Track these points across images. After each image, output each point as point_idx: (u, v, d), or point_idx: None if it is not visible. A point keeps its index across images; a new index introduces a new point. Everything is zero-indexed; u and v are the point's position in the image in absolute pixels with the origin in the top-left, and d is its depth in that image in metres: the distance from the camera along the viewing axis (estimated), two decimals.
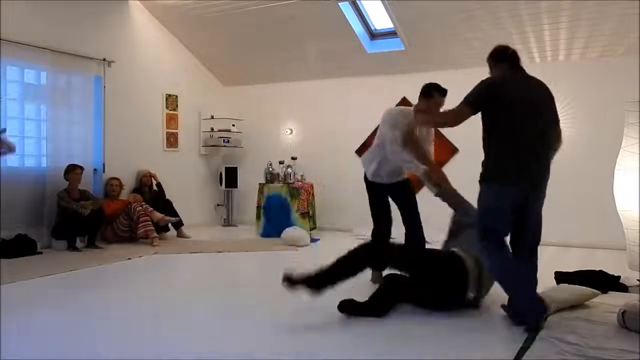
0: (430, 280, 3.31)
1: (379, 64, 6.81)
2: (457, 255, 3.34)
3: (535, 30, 5.61)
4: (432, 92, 3.65)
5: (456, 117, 3.06)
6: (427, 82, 3.73)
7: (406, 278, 3.51)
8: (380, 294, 3.40)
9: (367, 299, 3.31)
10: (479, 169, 3.08)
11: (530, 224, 3.11)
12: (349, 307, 3.23)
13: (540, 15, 5.38)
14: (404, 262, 3.40)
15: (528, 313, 2.92)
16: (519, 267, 3.01)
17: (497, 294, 3.46)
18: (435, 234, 4.27)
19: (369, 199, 4.18)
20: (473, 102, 2.99)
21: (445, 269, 3.30)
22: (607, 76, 5.78)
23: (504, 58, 3.16)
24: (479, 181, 3.06)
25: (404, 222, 4.04)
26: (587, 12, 5.20)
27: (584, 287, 3.44)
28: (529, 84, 3.09)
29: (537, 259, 3.20)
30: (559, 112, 3.21)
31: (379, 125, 3.92)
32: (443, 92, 3.67)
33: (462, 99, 3.04)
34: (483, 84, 3.03)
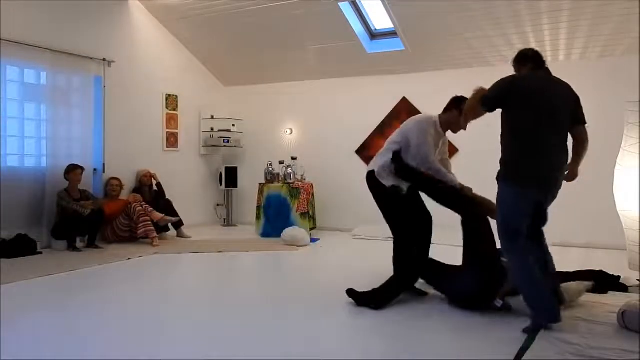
0: (469, 272, 3.34)
1: (379, 64, 6.81)
2: (502, 265, 3.27)
3: (535, 30, 5.61)
4: (461, 105, 3.55)
5: (474, 114, 3.12)
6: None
7: (440, 266, 3.64)
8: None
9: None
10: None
11: (540, 221, 3.15)
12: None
13: (540, 15, 5.38)
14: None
15: (541, 314, 2.92)
16: (538, 270, 2.98)
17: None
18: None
19: (405, 210, 3.79)
20: (487, 102, 3.05)
21: (487, 269, 3.28)
22: (607, 76, 5.78)
23: (525, 60, 3.17)
24: (497, 180, 3.06)
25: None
26: (587, 12, 5.20)
27: (580, 282, 3.46)
28: (546, 83, 3.07)
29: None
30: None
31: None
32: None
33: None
34: (500, 82, 3.05)
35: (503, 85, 3.04)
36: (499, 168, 3.05)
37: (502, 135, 3.07)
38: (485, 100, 3.05)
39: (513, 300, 3.22)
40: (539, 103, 2.96)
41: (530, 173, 2.94)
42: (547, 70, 3.14)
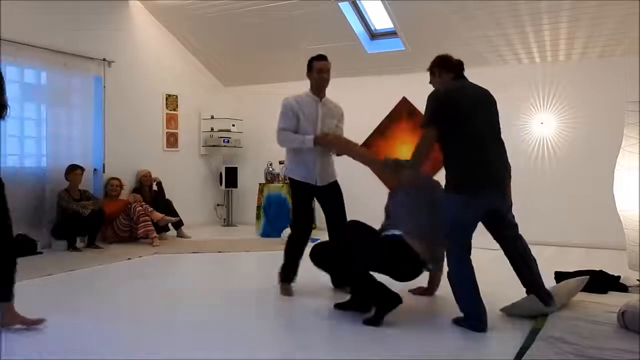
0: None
1: (379, 64, 6.81)
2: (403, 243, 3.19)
3: (535, 30, 5.61)
4: (312, 63, 3.98)
5: (429, 144, 3.06)
6: (429, 83, 3.68)
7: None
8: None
9: None
10: None
11: (507, 220, 3.19)
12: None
13: (540, 15, 5.38)
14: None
15: (468, 322, 2.99)
16: (473, 278, 3.02)
17: (496, 296, 3.47)
18: None
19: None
20: (432, 120, 3.00)
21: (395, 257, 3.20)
22: (607, 76, 5.78)
23: (450, 67, 3.17)
24: (444, 191, 3.08)
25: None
26: (587, 12, 5.20)
27: (577, 278, 3.48)
28: (478, 90, 3.14)
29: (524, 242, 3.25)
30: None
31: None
32: (319, 57, 3.97)
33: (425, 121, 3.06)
34: (435, 100, 3.03)
35: (443, 98, 3.03)
36: (446, 179, 3.07)
37: (445, 148, 3.06)
38: (431, 119, 3.01)
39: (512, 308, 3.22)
40: (478, 110, 3.03)
41: (481, 180, 2.97)
42: (466, 78, 3.18)
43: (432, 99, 3.05)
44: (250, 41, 7.02)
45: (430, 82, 3.27)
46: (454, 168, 3.03)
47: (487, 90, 3.19)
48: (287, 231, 6.10)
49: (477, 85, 3.17)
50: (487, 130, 3.05)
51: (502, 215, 3.17)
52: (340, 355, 2.68)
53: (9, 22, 5.33)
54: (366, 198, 6.53)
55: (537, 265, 3.23)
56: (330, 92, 7.95)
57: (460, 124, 2.98)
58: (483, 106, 3.09)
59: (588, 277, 3.54)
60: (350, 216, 7.02)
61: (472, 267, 3.03)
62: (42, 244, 5.50)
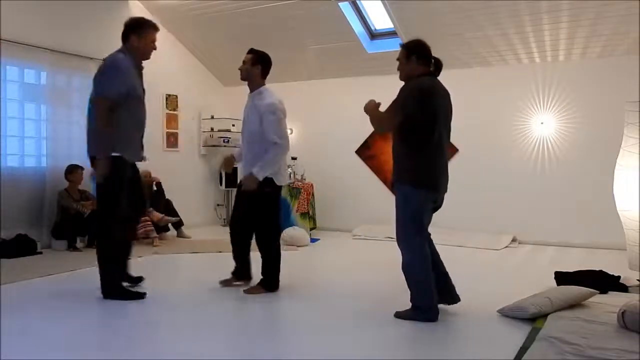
0: None
1: (379, 64, 6.81)
2: None
3: (535, 30, 5.61)
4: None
5: (391, 122, 3.11)
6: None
7: None
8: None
9: None
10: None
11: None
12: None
13: (540, 15, 5.38)
14: None
15: (421, 312, 3.06)
16: (430, 268, 3.09)
17: (494, 297, 3.47)
18: None
19: (275, 207, 4.15)
20: (408, 108, 3.02)
21: None
22: (607, 76, 5.78)
23: (428, 62, 3.25)
24: (401, 183, 3.12)
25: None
26: (587, 12, 5.20)
27: (583, 287, 3.44)
28: (445, 93, 3.22)
29: None
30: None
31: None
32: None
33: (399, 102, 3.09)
34: (418, 92, 3.07)
35: (424, 91, 3.08)
36: (401, 171, 3.13)
37: (412, 141, 3.10)
38: (407, 107, 3.03)
39: (514, 312, 3.22)
40: (444, 110, 3.14)
41: (438, 177, 3.12)
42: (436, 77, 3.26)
43: (414, 89, 3.07)
44: (250, 41, 6.99)
45: (399, 61, 3.27)
46: (421, 162, 3.07)
47: (448, 92, 3.24)
48: (287, 231, 6.13)
49: (443, 86, 3.22)
50: (445, 132, 3.16)
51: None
52: (336, 355, 2.68)
53: (9, 22, 5.33)
54: (373, 199, 6.53)
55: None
56: (331, 92, 7.98)
57: (433, 123, 3.05)
58: (448, 109, 3.20)
59: (598, 292, 3.48)
60: (353, 217, 6.99)
61: (429, 258, 3.10)
62: (42, 244, 5.50)
